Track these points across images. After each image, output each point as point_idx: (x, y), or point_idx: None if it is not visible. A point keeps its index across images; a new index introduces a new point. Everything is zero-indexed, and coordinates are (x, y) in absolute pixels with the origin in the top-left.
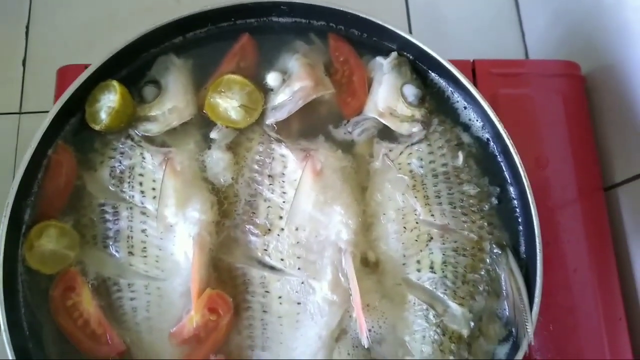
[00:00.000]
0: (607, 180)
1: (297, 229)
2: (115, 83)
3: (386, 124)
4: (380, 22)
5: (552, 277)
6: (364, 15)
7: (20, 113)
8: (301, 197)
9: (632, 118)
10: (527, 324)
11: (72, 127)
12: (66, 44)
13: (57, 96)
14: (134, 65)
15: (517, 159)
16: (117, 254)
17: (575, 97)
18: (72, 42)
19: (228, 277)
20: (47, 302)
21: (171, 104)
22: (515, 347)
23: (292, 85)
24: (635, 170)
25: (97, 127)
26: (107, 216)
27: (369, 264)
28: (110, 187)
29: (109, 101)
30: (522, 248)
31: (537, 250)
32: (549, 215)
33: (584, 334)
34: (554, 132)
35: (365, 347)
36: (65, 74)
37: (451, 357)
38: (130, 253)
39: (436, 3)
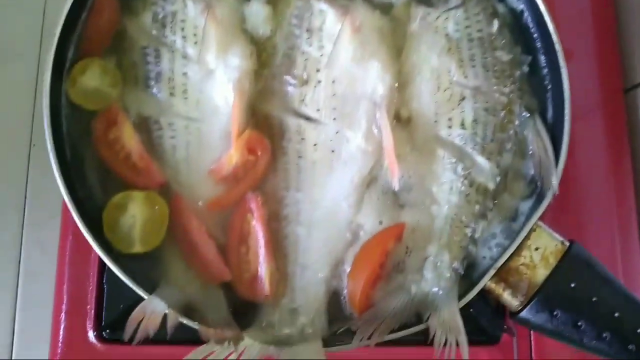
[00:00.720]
0: (628, 81)
1: (334, 82)
2: None
3: None
4: None
5: (569, 168)
6: None
7: None
8: (340, 50)
9: None
10: (552, 177)
11: None
12: None
13: None
14: None
15: (551, 27)
16: (158, 94)
17: None
18: None
19: (265, 125)
20: (89, 136)
21: None
22: (539, 199)
23: None
24: None
25: None
26: (149, 58)
27: (401, 120)
28: (153, 31)
29: None
30: (549, 114)
31: (566, 112)
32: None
33: (597, 220)
34: (578, 26)
35: (396, 189)
36: None
37: (477, 207)
38: (172, 94)
39: None
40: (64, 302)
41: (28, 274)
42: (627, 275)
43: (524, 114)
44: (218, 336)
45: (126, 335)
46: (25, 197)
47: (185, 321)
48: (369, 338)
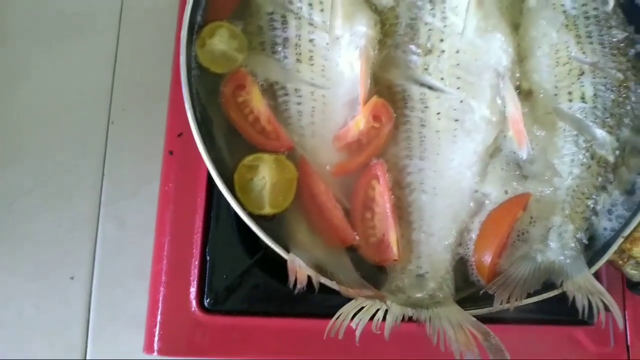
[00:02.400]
0: None
1: (458, 52)
2: None
3: None
4: None
5: None
6: None
7: None
8: (464, 21)
9: None
10: None
11: None
12: None
13: None
14: None
15: None
16: (285, 60)
17: None
18: None
19: (387, 93)
20: (216, 98)
21: None
22: None
23: None
24: None
25: None
26: (275, 24)
27: (522, 93)
28: None
29: None
30: None
31: None
32: None
33: None
34: None
35: (524, 157)
36: None
37: (598, 179)
38: (298, 60)
39: None
40: (163, 273)
41: (106, 250)
42: None
43: (639, 90)
44: (361, 294)
45: (290, 284)
46: (103, 174)
47: (323, 280)
48: (507, 302)
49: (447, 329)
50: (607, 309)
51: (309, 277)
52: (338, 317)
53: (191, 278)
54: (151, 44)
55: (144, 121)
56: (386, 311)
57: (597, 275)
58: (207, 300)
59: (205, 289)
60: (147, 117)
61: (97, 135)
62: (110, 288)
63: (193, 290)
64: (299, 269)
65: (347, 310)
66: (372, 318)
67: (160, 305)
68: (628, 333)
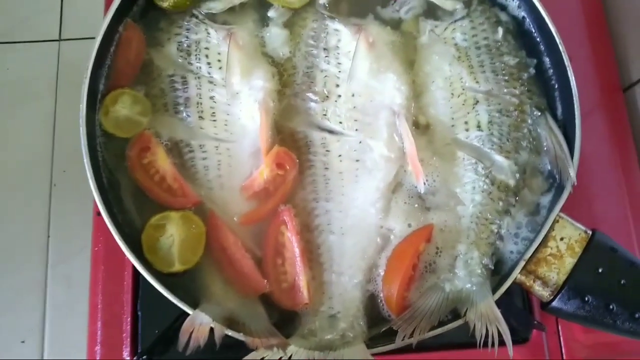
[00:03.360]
0: (625, 81)
1: (353, 95)
2: None
3: (432, 0)
4: None
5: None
6: None
7: (60, 40)
8: (357, 65)
9: None
10: (569, 168)
11: (139, 8)
12: None
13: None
14: None
15: (553, 28)
16: (187, 119)
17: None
18: None
19: (291, 140)
20: (123, 162)
21: None
22: (558, 192)
23: None
24: None
25: (164, 5)
26: (177, 85)
27: (420, 127)
28: (179, 60)
29: None
30: (559, 111)
31: (575, 106)
32: None
33: (610, 213)
34: (573, 33)
35: (421, 191)
36: None
37: (500, 204)
38: (201, 117)
39: None
40: (99, 332)
41: (55, 311)
42: None
43: (535, 112)
44: (265, 344)
45: (180, 346)
46: (49, 236)
47: (230, 333)
48: (411, 336)
49: None
50: (500, 336)
51: (212, 332)
52: None
53: (124, 336)
54: None
55: (85, 180)
56: (290, 357)
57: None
58: (142, 358)
59: (139, 346)
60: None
61: (41, 198)
62: (61, 349)
63: (127, 348)
64: (199, 326)
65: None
66: None
67: None
68: (563, 349)
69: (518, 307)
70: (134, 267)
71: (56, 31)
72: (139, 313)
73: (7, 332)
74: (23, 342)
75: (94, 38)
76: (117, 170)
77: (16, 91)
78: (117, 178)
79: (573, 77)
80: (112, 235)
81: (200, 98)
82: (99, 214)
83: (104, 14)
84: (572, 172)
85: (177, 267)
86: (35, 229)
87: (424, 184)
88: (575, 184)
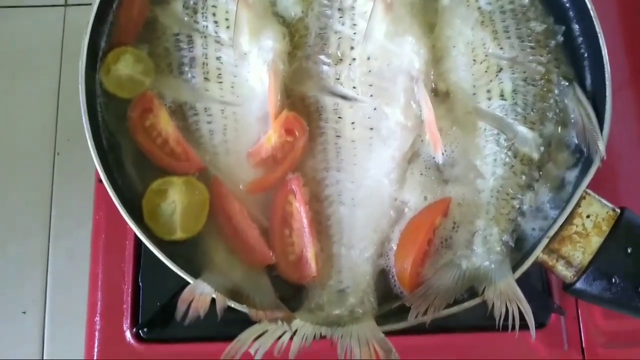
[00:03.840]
0: None
1: (369, 58)
2: None
3: None
4: None
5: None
6: None
7: (65, 5)
8: (373, 27)
9: None
10: (598, 141)
11: None
12: None
13: None
14: None
15: None
16: (192, 80)
17: None
18: None
19: (301, 105)
20: (124, 123)
21: None
22: (585, 167)
23: None
24: None
25: None
26: (182, 45)
27: (439, 94)
28: (185, 18)
29: None
30: (588, 82)
31: (606, 76)
32: None
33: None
34: (606, 5)
35: (439, 162)
36: None
37: (523, 178)
38: (206, 79)
39: None
40: (99, 303)
41: (57, 283)
42: None
43: (562, 82)
44: (270, 317)
45: (178, 315)
46: (51, 207)
47: (233, 304)
48: (425, 314)
49: (354, 347)
50: (522, 318)
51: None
52: (236, 343)
53: (125, 307)
54: None
55: (88, 149)
56: (295, 332)
57: None
58: (142, 329)
59: (140, 318)
60: None
61: (44, 168)
62: (63, 321)
63: (127, 320)
64: (199, 296)
65: (246, 335)
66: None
67: (97, 336)
68: (582, 335)
69: (536, 289)
70: (135, 237)
71: None
72: (140, 284)
73: (9, 302)
74: (24, 312)
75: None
76: (118, 132)
77: (21, 58)
78: (118, 140)
79: (605, 46)
80: (113, 203)
81: (206, 58)
82: (100, 181)
83: None
84: (602, 146)
85: (179, 234)
86: (38, 199)
87: (443, 154)
88: (605, 158)
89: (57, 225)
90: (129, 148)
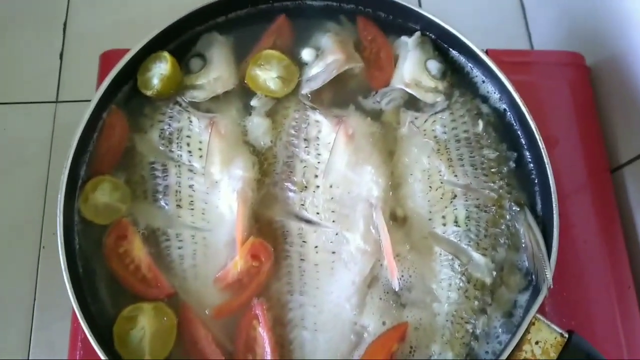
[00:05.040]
0: (613, 162)
1: (331, 186)
2: (165, 54)
3: (412, 93)
4: (406, 4)
5: (564, 250)
6: None
7: (56, 102)
8: (335, 158)
9: (635, 103)
10: (546, 270)
11: (123, 94)
12: (101, 39)
13: (100, 78)
14: (179, 41)
15: (532, 125)
16: (166, 207)
17: (580, 85)
18: (107, 37)
19: (268, 230)
20: (100, 249)
21: (216, 74)
22: (535, 292)
23: (325, 58)
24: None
25: (148, 93)
26: (157, 173)
27: (398, 220)
28: (160, 147)
29: (161, 69)
30: (539, 207)
31: (554, 205)
32: (559, 192)
33: (596, 301)
34: (562, 116)
35: (396, 289)
36: (108, 58)
37: (476, 302)
38: (179, 206)
39: None
40: None
41: None
42: (631, 354)
43: (514, 208)
44: None
45: None
46: (35, 299)
47: None
48: None
49: None
50: None
51: None
52: None
53: None
54: None
55: None
56: None
57: None
58: None
59: None
60: None
61: (29, 260)
62: None
63: None
64: None
65: None
66: None
67: None
68: None
69: None
70: None
71: (54, 93)
72: None
73: None
74: None
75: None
76: (93, 258)
77: (11, 152)
78: (93, 266)
79: (552, 176)
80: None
81: (179, 186)
82: None
83: (97, 81)
84: (549, 274)
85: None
86: (22, 291)
87: (399, 280)
88: (552, 287)
89: (40, 317)
90: (103, 273)
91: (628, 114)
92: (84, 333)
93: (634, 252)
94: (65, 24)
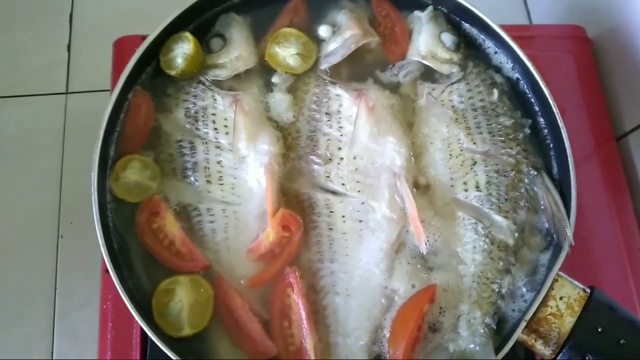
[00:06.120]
0: (618, 130)
1: (355, 158)
2: (187, 34)
3: (428, 64)
4: None
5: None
6: None
7: (66, 93)
8: (358, 130)
9: (637, 72)
10: (566, 229)
11: (147, 75)
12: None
13: (115, 64)
14: (196, 23)
15: (546, 91)
16: (195, 183)
17: (583, 57)
18: (113, 28)
19: (295, 202)
20: (133, 227)
21: (237, 52)
22: (556, 251)
23: (343, 34)
24: None
25: (173, 73)
26: (185, 150)
27: (420, 187)
28: (187, 126)
29: (184, 49)
30: (555, 170)
31: (570, 168)
32: None
33: (608, 263)
34: (567, 87)
35: (424, 253)
36: (122, 44)
37: (500, 263)
38: (208, 182)
39: None
40: None
41: None
42: None
43: (531, 172)
44: None
45: None
46: (56, 288)
47: None
48: None
49: None
50: None
51: None
52: None
53: None
54: None
55: (92, 233)
56: None
57: None
58: None
59: None
60: (95, 227)
61: (48, 250)
62: None
63: None
64: None
65: None
66: None
67: None
68: None
69: None
70: (142, 328)
71: (63, 84)
72: None
73: None
74: None
75: (100, 91)
76: (127, 235)
77: (24, 144)
78: (127, 243)
79: (567, 140)
80: (120, 295)
81: (207, 162)
82: (107, 271)
83: (112, 72)
84: (570, 232)
85: (187, 331)
86: (43, 281)
87: (426, 244)
88: (573, 244)
89: (62, 305)
90: (137, 250)
91: (631, 84)
92: (114, 315)
93: None
94: (71, 16)
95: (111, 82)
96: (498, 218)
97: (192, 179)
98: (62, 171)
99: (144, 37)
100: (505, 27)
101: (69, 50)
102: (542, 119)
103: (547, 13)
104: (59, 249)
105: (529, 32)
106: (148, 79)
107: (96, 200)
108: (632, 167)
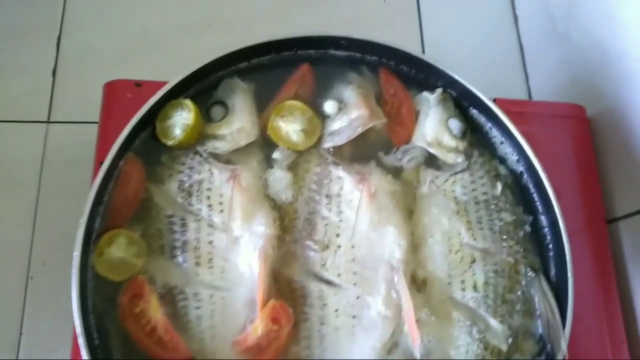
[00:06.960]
0: (610, 213)
1: (353, 247)
2: (188, 101)
3: (434, 153)
4: (429, 61)
5: None
6: (414, 54)
7: (48, 122)
8: (358, 217)
9: (633, 158)
10: (561, 340)
11: (141, 141)
12: (97, 57)
13: (105, 109)
14: (200, 86)
15: (549, 190)
16: (184, 264)
17: (581, 137)
18: (104, 56)
19: (287, 290)
20: (114, 308)
21: (239, 124)
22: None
23: (349, 113)
24: (636, 206)
25: (169, 142)
26: (175, 227)
27: (417, 282)
28: (179, 200)
29: (183, 118)
30: (552, 272)
31: (569, 275)
32: None
33: (591, 353)
34: (563, 167)
35: (417, 357)
36: (113, 88)
37: None
38: (197, 263)
39: (444, 41)
40: None
41: None
42: None
43: (529, 273)
44: None
45: None
46: (21, 333)
47: None
48: None
49: None
50: None
51: None
52: None
53: None
54: (73, 195)
55: (65, 277)
56: None
57: None
58: None
59: None
60: (69, 271)
61: (15, 291)
62: None
63: None
64: None
65: None
66: None
67: None
68: None
69: None
70: None
71: (45, 112)
72: None
73: None
74: None
75: (84, 122)
76: (106, 316)
77: (0, 172)
78: (106, 325)
79: (568, 244)
80: None
81: (198, 242)
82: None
83: (101, 112)
84: (564, 345)
85: None
86: (7, 324)
87: (419, 347)
88: (567, 357)
89: (26, 353)
90: (117, 333)
91: (626, 170)
92: None
93: (627, 305)
94: (59, 39)
95: (98, 135)
96: (494, 322)
97: (180, 259)
98: (37, 206)
99: (137, 84)
100: (504, 102)
101: (54, 75)
102: (543, 217)
103: (548, 87)
104: (27, 291)
105: (529, 108)
106: (141, 144)
107: (77, 281)
108: (620, 253)
